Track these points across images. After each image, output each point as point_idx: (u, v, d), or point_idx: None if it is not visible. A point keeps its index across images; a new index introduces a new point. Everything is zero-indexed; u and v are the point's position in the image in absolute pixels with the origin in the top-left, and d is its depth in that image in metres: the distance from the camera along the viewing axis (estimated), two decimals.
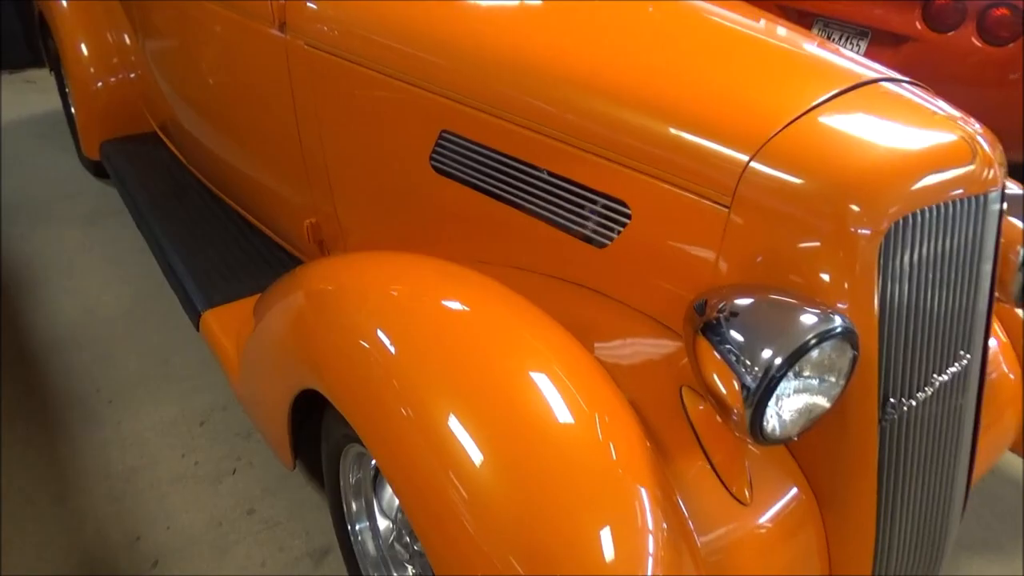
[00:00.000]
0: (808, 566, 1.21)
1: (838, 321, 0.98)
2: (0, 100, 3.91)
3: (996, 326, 1.63)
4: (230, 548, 1.63)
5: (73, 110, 3.15)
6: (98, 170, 3.05)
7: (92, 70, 2.71)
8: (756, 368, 0.96)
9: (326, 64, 1.63)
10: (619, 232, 1.28)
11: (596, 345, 1.25)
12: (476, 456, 0.98)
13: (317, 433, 1.49)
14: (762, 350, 0.97)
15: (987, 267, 1.19)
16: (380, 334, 1.16)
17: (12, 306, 2.37)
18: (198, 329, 1.95)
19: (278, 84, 1.78)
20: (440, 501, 0.99)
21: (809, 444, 1.18)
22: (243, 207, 2.35)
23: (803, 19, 3.61)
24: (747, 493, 1.13)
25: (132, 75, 2.72)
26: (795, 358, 0.95)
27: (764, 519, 1.15)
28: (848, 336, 0.99)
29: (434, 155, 1.52)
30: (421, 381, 1.07)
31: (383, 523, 1.47)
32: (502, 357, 1.10)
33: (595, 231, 1.31)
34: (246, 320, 1.72)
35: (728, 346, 1.01)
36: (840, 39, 3.46)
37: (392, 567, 1.44)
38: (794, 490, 1.19)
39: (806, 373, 1.01)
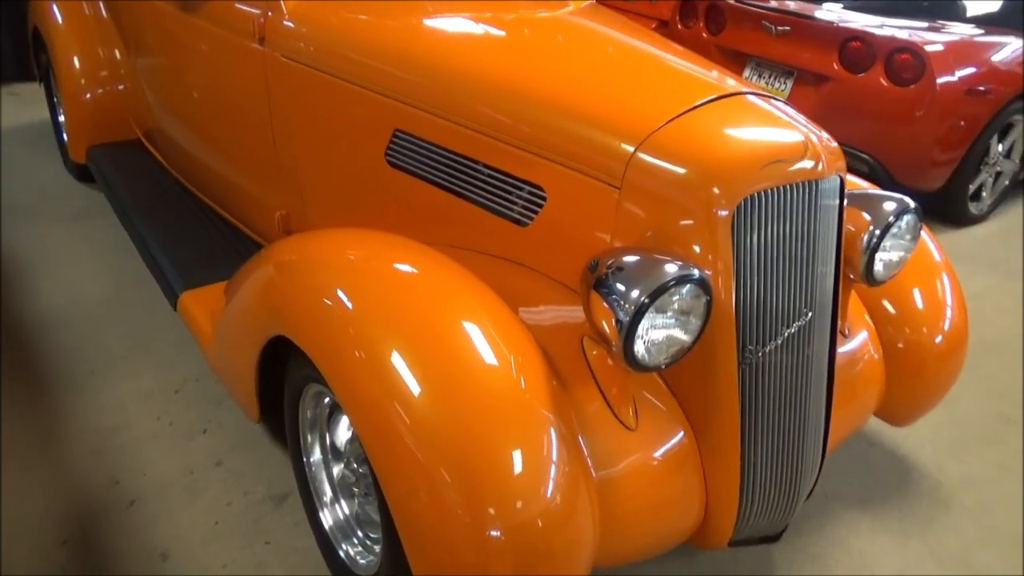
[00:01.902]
0: (689, 498, 1.47)
1: (694, 271, 1.26)
2: None
3: (866, 316, 1.91)
4: (200, 492, 1.85)
5: (61, 119, 3.38)
6: (81, 175, 3.28)
7: (83, 81, 2.96)
8: (628, 305, 1.24)
9: (298, 73, 1.91)
10: (537, 212, 1.55)
11: (516, 306, 1.51)
12: (415, 388, 1.24)
13: (278, 395, 1.72)
14: (632, 291, 1.24)
15: (824, 245, 1.47)
16: (338, 291, 1.42)
17: (5, 292, 2.57)
18: (175, 309, 2.18)
19: (256, 91, 2.05)
20: (386, 424, 1.24)
21: (685, 384, 1.45)
22: (219, 205, 2.60)
23: (738, 58, 3.98)
24: (633, 419, 1.40)
25: (120, 87, 2.97)
26: (657, 295, 1.23)
27: (649, 449, 1.41)
28: (701, 283, 1.27)
29: (388, 151, 1.79)
30: (371, 329, 1.33)
31: (336, 467, 1.71)
32: (438, 309, 1.36)
33: (520, 213, 1.58)
34: (219, 300, 1.95)
35: (613, 296, 1.28)
36: (769, 77, 3.82)
37: (341, 496, 1.67)
38: (675, 426, 1.45)
39: (668, 313, 1.28)
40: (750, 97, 1.49)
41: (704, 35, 4.19)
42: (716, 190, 1.34)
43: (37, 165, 3.52)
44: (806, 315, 1.47)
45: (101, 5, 2.97)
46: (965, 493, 2.08)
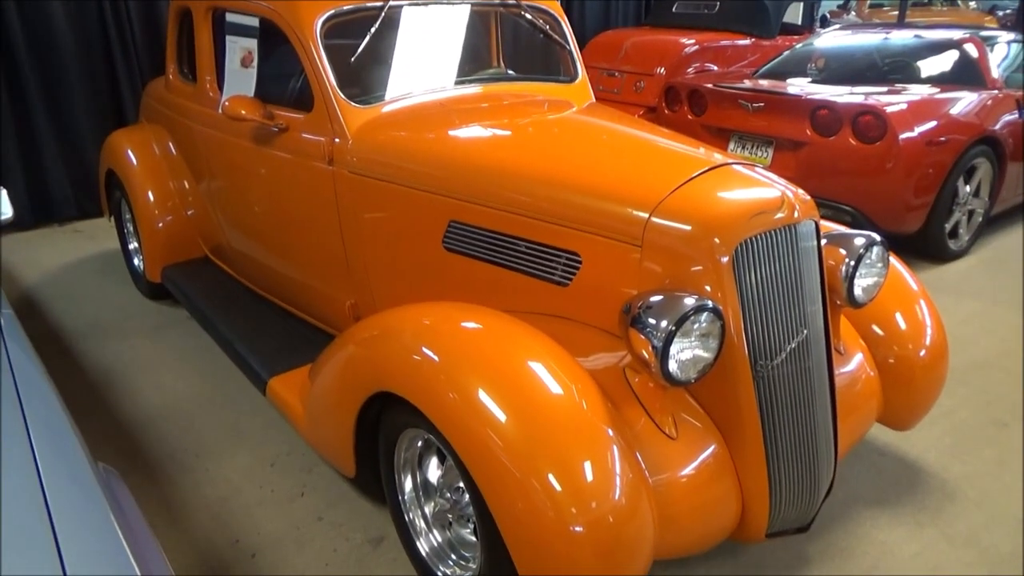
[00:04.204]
0: (728, 498, 1.78)
1: (708, 302, 1.62)
2: (57, 247, 4.60)
3: (860, 340, 2.24)
4: (307, 543, 2.16)
5: (132, 246, 3.83)
6: (154, 293, 3.69)
7: (157, 211, 3.40)
8: (660, 334, 1.59)
9: (364, 184, 2.32)
10: (575, 274, 1.92)
11: (566, 349, 1.86)
12: (501, 416, 1.59)
13: (367, 453, 2.04)
14: (662, 322, 1.60)
15: (809, 276, 1.83)
16: (424, 349, 1.77)
17: (108, 398, 2.93)
18: (264, 394, 2.52)
19: (326, 202, 2.46)
20: (484, 449, 1.58)
21: (713, 401, 1.78)
22: (288, 302, 2.98)
23: (722, 134, 4.45)
24: (674, 429, 1.72)
25: (189, 212, 3.42)
26: (681, 323, 1.58)
27: (691, 458, 1.73)
28: (714, 311, 1.62)
29: (445, 239, 2.18)
30: (457, 374, 1.68)
31: (428, 505, 2.02)
32: (507, 352, 1.72)
33: (561, 276, 1.95)
34: (304, 382, 2.30)
35: (647, 328, 1.64)
36: (752, 147, 4.27)
37: (434, 527, 1.98)
38: (709, 437, 1.77)
39: (692, 337, 1.64)
40: (735, 166, 1.89)
41: (689, 117, 4.68)
42: (717, 240, 1.71)
43: (111, 289, 3.94)
44: (802, 332, 1.81)
45: (170, 144, 3.44)
46: (969, 486, 2.37)
